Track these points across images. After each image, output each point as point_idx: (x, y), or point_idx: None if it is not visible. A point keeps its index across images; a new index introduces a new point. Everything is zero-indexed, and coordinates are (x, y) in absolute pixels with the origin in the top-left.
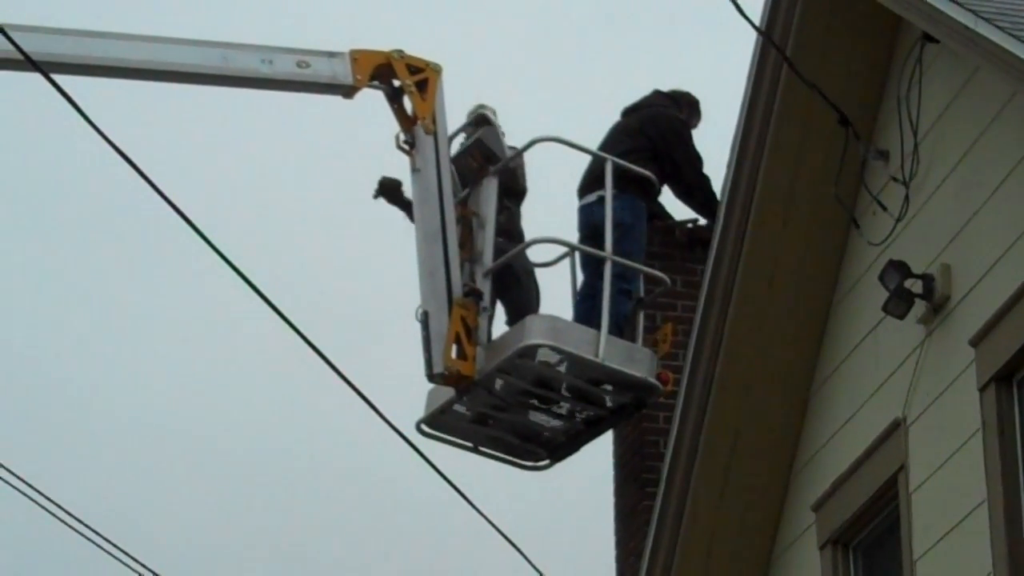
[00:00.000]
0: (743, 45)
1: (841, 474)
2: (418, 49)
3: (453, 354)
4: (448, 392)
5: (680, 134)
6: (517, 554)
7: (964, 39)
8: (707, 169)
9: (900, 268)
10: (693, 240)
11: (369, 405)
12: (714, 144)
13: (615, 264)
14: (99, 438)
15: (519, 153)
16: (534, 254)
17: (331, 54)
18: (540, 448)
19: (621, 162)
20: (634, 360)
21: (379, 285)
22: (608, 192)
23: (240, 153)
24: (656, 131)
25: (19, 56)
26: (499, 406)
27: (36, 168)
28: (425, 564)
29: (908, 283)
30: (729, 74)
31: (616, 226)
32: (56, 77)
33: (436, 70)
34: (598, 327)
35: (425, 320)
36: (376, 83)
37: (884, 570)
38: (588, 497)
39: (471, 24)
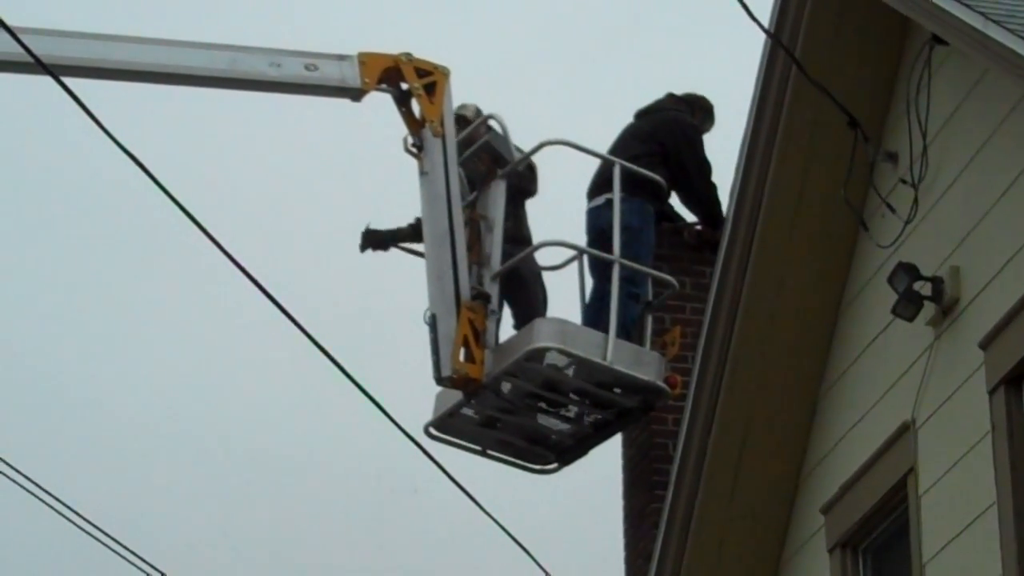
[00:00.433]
0: (752, 47)
1: (850, 477)
2: (428, 53)
3: (461, 357)
4: (456, 395)
5: (691, 140)
6: (526, 556)
7: (973, 41)
8: (716, 172)
9: (909, 270)
10: (702, 242)
11: (378, 407)
12: (723, 146)
13: (623, 267)
14: (105, 438)
15: (527, 156)
16: (542, 257)
17: (339, 57)
18: (548, 451)
19: (630, 166)
20: (642, 363)
21: (388, 287)
22: (616, 195)
23: (249, 155)
24: (668, 136)
25: (29, 59)
26: (507, 409)
27: (42, 168)
28: (433, 566)
29: (917, 285)
30: (738, 76)
31: (624, 229)
32: (64, 79)
33: (444, 73)
34: (606, 330)
35: (433, 323)
36: (384, 86)
37: (893, 573)
38: (597, 499)
39: (483, 27)
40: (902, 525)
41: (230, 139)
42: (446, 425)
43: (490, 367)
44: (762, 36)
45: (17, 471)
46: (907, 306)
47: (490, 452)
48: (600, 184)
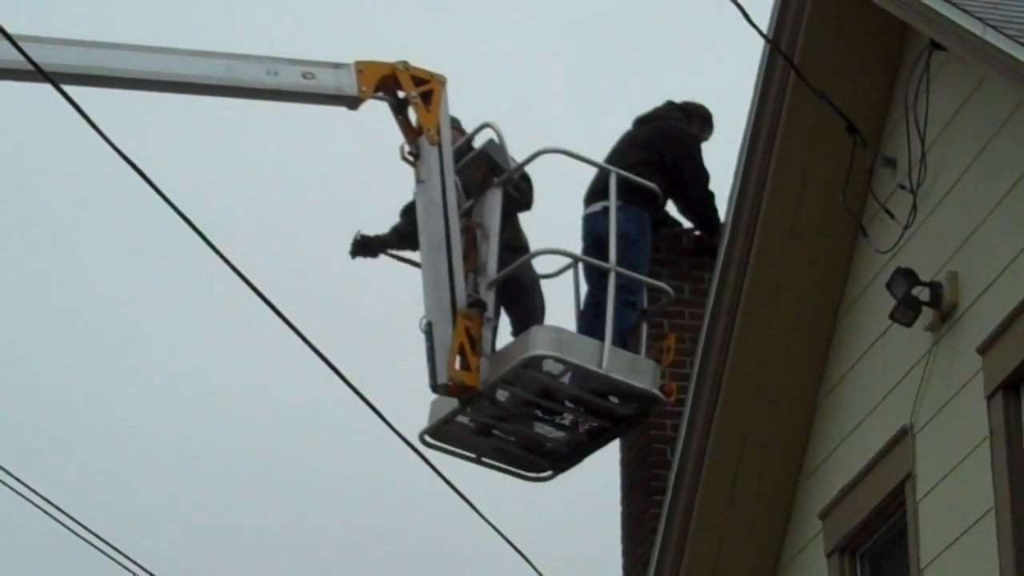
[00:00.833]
0: (751, 53)
1: (848, 482)
2: (433, 59)
3: (457, 365)
4: (451, 403)
5: (689, 149)
6: (524, 562)
7: (972, 47)
8: (715, 178)
9: (908, 276)
10: (701, 248)
11: (376, 412)
12: (722, 151)
13: (619, 275)
14: (107, 444)
15: (523, 164)
16: (538, 265)
17: (336, 65)
18: (543, 459)
19: (626, 174)
20: (638, 371)
21: (387, 294)
22: (612, 203)
23: (249, 162)
24: (665, 144)
25: (30, 67)
26: (502, 417)
27: (42, 175)
28: (431, 572)
29: (915, 291)
30: (737, 82)
31: (621, 237)
32: (64, 87)
33: (441, 81)
34: (602, 338)
35: (429, 331)
36: (381, 94)
37: None
38: (595, 505)
39: (485, 34)
40: (900, 530)
41: (231, 148)
42: (441, 433)
43: (486, 375)
44: (761, 42)
45: (21, 481)
46: (905, 311)
47: (485, 460)
48: (597, 191)
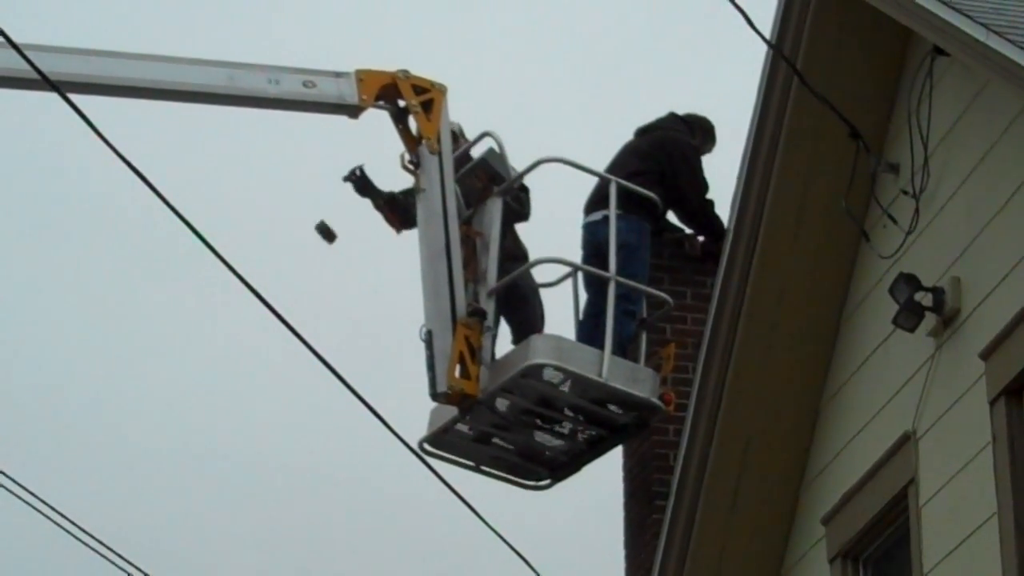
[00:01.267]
0: (754, 58)
1: (851, 487)
2: (435, 70)
3: (456, 373)
4: (451, 411)
5: (688, 160)
6: (527, 568)
7: (974, 52)
8: (717, 183)
9: (910, 281)
10: (704, 254)
11: (378, 418)
12: (725, 157)
13: (619, 285)
14: (107, 449)
15: (524, 174)
16: (538, 274)
17: (337, 74)
18: (542, 467)
19: (626, 183)
20: (637, 380)
21: (387, 301)
22: (612, 213)
23: (251, 170)
24: (665, 155)
25: (35, 75)
26: (502, 425)
27: (43, 179)
28: None
29: (918, 296)
30: (740, 87)
31: (621, 247)
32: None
33: (441, 90)
34: (602, 347)
35: (429, 339)
36: (381, 103)
37: None
38: (597, 511)
39: (489, 45)
40: (903, 536)
41: (234, 154)
42: (440, 441)
43: (486, 383)
44: (764, 47)
45: (22, 485)
46: (908, 317)
47: (484, 468)
48: (597, 200)
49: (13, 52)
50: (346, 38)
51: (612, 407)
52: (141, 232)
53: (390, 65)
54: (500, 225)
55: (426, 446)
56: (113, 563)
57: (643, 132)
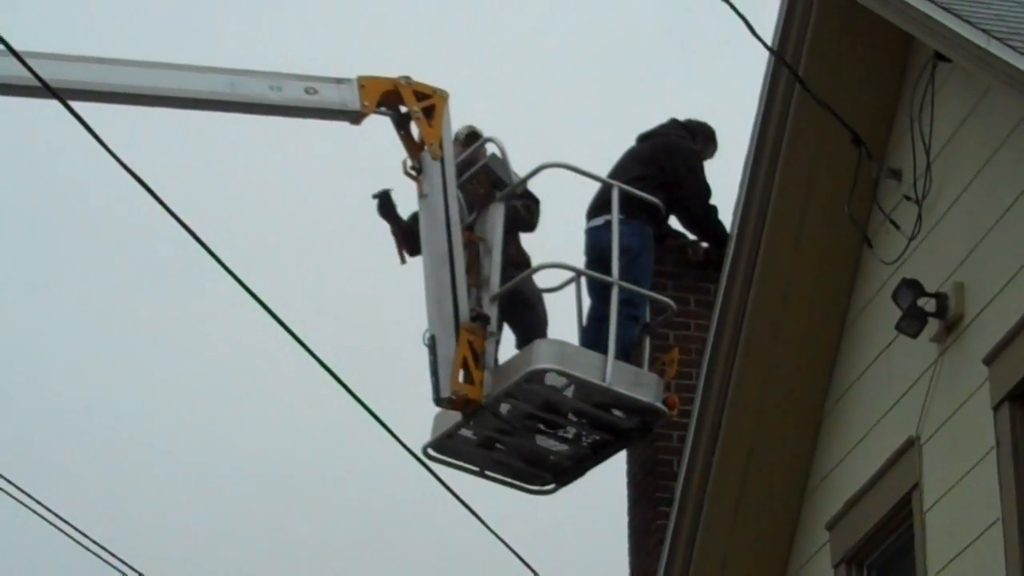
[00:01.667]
0: (756, 65)
1: (855, 493)
2: (442, 79)
3: (460, 378)
4: (455, 416)
5: (690, 165)
6: (530, 573)
7: (976, 58)
8: (720, 190)
9: (913, 287)
10: (707, 260)
11: (381, 424)
12: (727, 164)
13: (622, 289)
14: (108, 455)
15: (526, 179)
16: (540, 279)
17: (339, 80)
18: (546, 472)
19: (628, 188)
20: (640, 385)
21: (390, 307)
22: (615, 218)
23: (256, 176)
24: (667, 160)
25: (35, 83)
26: (505, 430)
27: (45, 186)
28: None
29: (921, 302)
30: (742, 94)
31: (623, 251)
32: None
33: (443, 96)
34: (605, 352)
35: (432, 344)
36: (383, 109)
37: None
38: (602, 517)
39: (496, 55)
40: (907, 541)
41: (239, 161)
42: (444, 446)
43: (489, 388)
44: (765, 54)
45: (23, 490)
46: (911, 322)
47: (488, 473)
48: (600, 205)
49: (14, 59)
50: (354, 44)
51: (616, 412)
52: (144, 238)
53: (397, 71)
54: (503, 230)
55: (430, 451)
56: (116, 568)
57: (644, 138)
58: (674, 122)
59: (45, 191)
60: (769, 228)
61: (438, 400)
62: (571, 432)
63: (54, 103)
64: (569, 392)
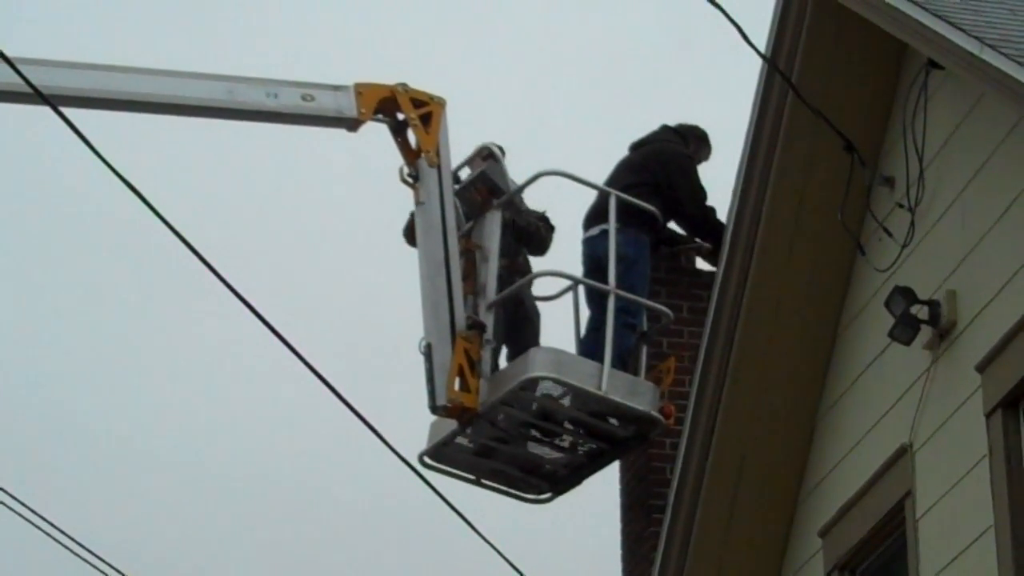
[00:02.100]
0: (748, 72)
1: (848, 500)
2: (443, 87)
3: (456, 386)
4: (451, 424)
5: (683, 169)
6: None
7: (969, 66)
8: (714, 197)
9: (906, 294)
10: (711, 260)
11: (375, 433)
12: (720, 171)
13: (619, 298)
14: (108, 462)
15: (523, 187)
16: (538, 287)
17: (336, 87)
18: (542, 481)
19: (624, 196)
20: (637, 393)
21: (386, 315)
22: (611, 226)
23: (252, 184)
24: (659, 166)
25: (28, 90)
26: (501, 438)
27: (40, 193)
28: None
29: (914, 309)
30: (735, 101)
31: (620, 260)
32: (62, 109)
33: (440, 103)
34: (602, 360)
35: (428, 352)
36: (380, 116)
37: None
38: (595, 524)
39: (495, 62)
40: (899, 548)
41: (234, 168)
42: (440, 454)
43: (485, 396)
44: (759, 61)
45: (16, 498)
46: (904, 330)
47: (484, 481)
48: (596, 214)
49: (6, 66)
50: (353, 50)
51: (612, 420)
52: (141, 246)
53: (395, 77)
54: (499, 238)
55: (426, 459)
56: (107, 575)
57: (636, 147)
58: (665, 128)
59: (41, 197)
60: (762, 236)
61: (434, 408)
62: (567, 440)
63: (47, 109)
64: (565, 400)
